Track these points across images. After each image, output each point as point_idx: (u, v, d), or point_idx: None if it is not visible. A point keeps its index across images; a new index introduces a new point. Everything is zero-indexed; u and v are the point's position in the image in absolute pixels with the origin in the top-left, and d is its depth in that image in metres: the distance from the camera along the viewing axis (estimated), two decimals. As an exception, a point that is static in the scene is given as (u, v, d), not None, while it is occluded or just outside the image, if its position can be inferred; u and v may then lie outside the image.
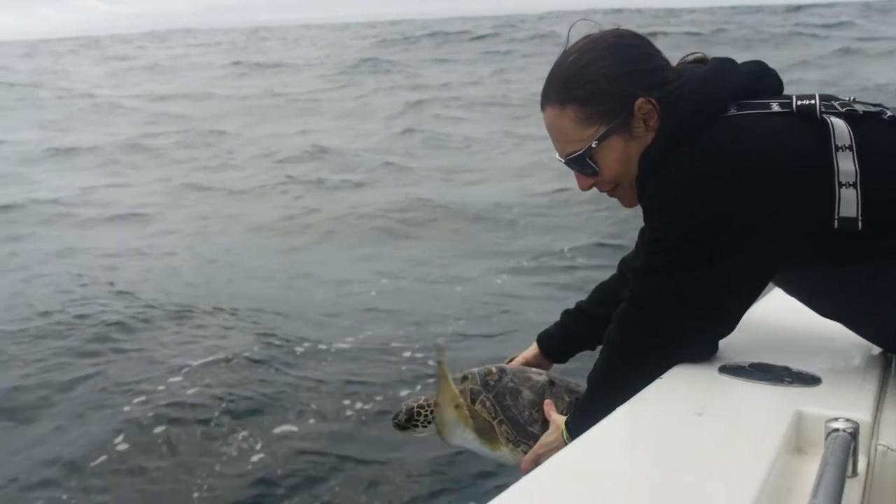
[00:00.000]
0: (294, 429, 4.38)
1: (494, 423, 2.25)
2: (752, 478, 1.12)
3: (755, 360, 1.68)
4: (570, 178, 1.89)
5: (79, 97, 20.37)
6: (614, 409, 1.53)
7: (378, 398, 4.71)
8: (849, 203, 1.56)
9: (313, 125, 15.86)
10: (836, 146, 1.58)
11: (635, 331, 1.75)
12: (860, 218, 1.55)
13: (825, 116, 1.60)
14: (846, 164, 1.57)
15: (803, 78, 16.79)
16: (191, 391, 4.74)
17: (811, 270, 1.70)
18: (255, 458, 4.10)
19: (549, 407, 2.18)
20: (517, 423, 2.22)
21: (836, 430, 1.24)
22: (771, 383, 1.54)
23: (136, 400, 4.65)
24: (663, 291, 1.68)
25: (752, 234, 1.61)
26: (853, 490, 1.19)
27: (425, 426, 2.35)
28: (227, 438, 4.28)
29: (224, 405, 4.56)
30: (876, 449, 1.34)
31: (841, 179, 1.56)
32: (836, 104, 1.64)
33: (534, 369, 2.42)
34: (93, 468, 4.05)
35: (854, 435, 1.22)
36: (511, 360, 2.53)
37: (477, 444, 2.24)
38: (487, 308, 6.25)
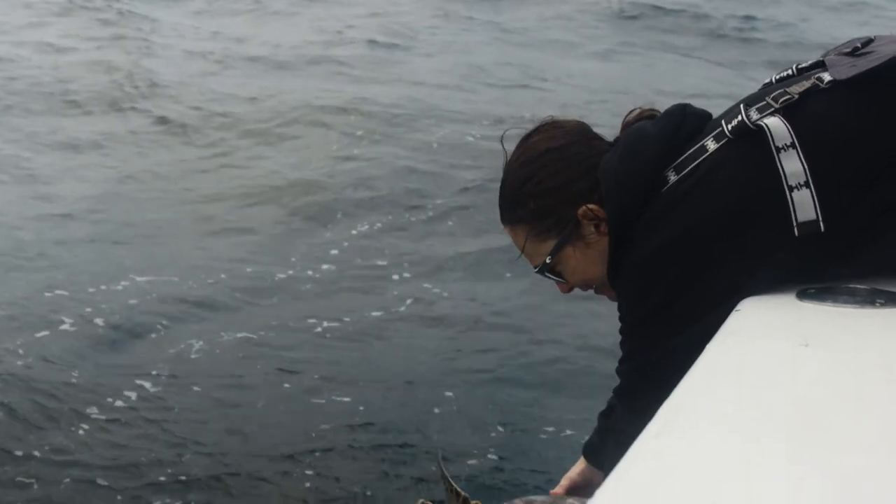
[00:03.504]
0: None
1: None
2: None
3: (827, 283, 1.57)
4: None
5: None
6: None
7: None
8: (804, 205, 1.45)
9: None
10: (777, 148, 1.46)
11: (627, 422, 1.69)
12: (821, 218, 1.45)
13: (759, 123, 1.49)
14: (792, 165, 1.45)
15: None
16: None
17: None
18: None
19: None
20: None
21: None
22: (862, 306, 1.43)
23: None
24: (637, 377, 1.71)
25: (706, 293, 1.55)
26: None
27: None
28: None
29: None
30: None
31: (790, 182, 1.45)
32: (769, 99, 1.52)
33: (570, 500, 2.27)
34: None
35: None
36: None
37: None
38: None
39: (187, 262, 5.32)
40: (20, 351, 4.12)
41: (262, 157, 7.51)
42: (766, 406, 1.08)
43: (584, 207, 1.71)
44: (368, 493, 3.26)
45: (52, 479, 3.25)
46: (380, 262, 5.51)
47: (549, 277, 1.85)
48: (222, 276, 5.17)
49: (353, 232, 6.00)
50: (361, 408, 3.84)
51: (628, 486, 0.94)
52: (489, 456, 3.40)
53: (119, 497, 3.18)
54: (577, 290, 1.93)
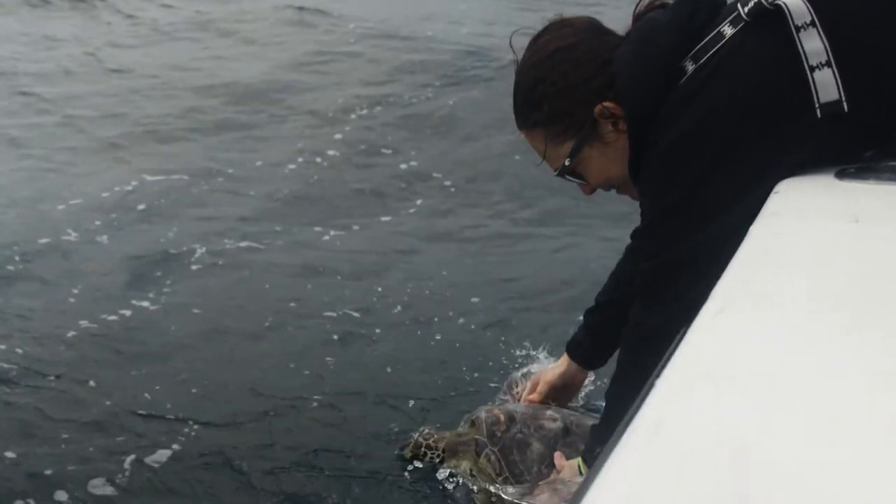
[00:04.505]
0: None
1: (499, 480, 2.19)
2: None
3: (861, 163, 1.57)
4: None
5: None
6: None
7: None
8: (826, 85, 1.42)
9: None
10: (797, 27, 1.42)
11: (651, 317, 1.73)
12: (843, 98, 1.42)
13: (776, 2, 1.44)
14: (812, 43, 1.42)
15: None
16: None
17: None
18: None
19: (559, 459, 2.11)
20: (523, 479, 2.15)
21: None
22: (903, 182, 1.43)
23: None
24: (665, 273, 1.68)
25: (730, 181, 1.53)
26: None
27: (429, 464, 2.37)
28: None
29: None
30: None
31: (811, 63, 1.42)
32: None
33: (549, 412, 2.30)
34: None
35: None
36: (536, 383, 2.38)
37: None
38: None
39: (192, 161, 5.20)
40: (16, 258, 4.00)
41: (247, 57, 7.29)
42: (825, 280, 1.09)
43: (599, 106, 1.69)
44: (391, 404, 2.94)
45: (31, 389, 3.08)
46: (385, 151, 5.38)
47: (570, 180, 1.84)
48: (229, 171, 5.06)
49: (353, 117, 5.87)
50: (378, 330, 3.44)
51: (697, 359, 0.95)
52: (531, 364, 2.95)
53: (103, 416, 2.90)
54: (599, 191, 1.93)
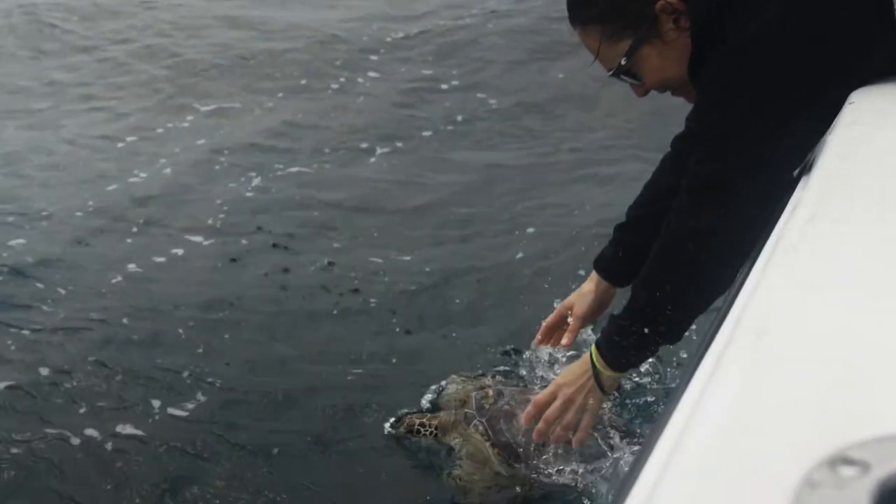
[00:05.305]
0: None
1: (486, 445, 2.29)
2: None
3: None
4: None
5: None
6: (660, 317, 1.62)
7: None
8: None
9: None
10: None
11: (694, 228, 1.70)
12: None
13: None
14: None
15: None
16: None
17: None
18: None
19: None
20: (509, 447, 2.26)
21: None
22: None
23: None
24: (730, 175, 1.64)
25: (799, 89, 1.49)
26: None
27: (423, 441, 2.42)
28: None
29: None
30: None
31: None
32: None
33: (538, 389, 2.32)
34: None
35: None
36: (563, 315, 2.26)
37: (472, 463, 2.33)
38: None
39: (238, 90, 5.23)
40: (81, 212, 4.02)
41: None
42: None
43: (662, 1, 1.64)
44: (443, 358, 2.91)
45: (72, 322, 3.18)
46: (426, 72, 5.32)
47: (625, 80, 1.78)
48: (279, 95, 5.08)
49: (389, 41, 5.81)
50: (427, 270, 3.40)
51: (794, 266, 0.95)
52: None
53: (134, 366, 2.98)
54: (657, 101, 1.89)
